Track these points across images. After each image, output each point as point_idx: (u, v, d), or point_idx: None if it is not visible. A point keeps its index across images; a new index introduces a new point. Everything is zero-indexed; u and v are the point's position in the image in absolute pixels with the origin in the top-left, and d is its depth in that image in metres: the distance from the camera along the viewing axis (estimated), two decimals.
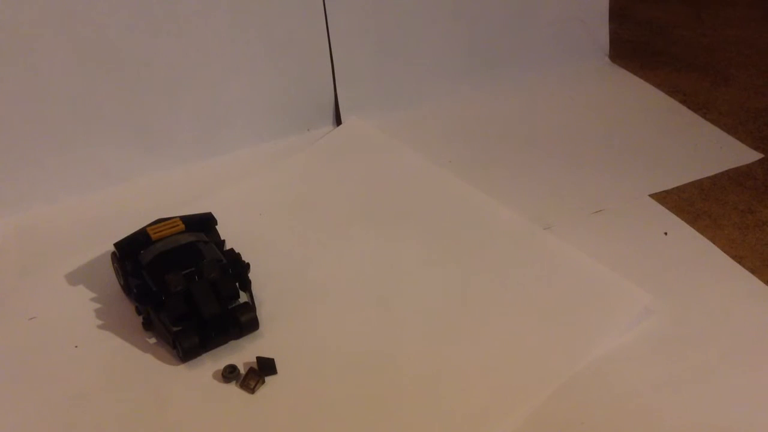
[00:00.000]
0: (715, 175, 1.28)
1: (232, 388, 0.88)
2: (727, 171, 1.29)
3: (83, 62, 1.17)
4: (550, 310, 0.98)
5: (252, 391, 0.87)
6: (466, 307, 1.00)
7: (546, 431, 0.83)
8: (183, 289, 0.91)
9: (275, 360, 0.90)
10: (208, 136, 1.32)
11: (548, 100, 1.53)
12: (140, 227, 1.00)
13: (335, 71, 1.39)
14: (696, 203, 1.21)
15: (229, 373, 0.88)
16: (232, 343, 0.94)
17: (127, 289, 0.99)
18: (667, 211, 1.19)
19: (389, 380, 0.89)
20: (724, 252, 1.10)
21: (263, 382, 0.88)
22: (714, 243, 1.12)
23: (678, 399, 0.87)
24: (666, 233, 1.14)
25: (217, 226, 1.05)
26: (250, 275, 1.00)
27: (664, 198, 1.22)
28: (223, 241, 1.05)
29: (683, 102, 1.51)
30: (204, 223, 1.03)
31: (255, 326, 0.94)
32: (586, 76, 1.61)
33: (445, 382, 0.89)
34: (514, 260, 1.08)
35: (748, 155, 1.34)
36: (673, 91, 1.55)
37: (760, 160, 1.32)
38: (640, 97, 1.55)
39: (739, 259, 1.08)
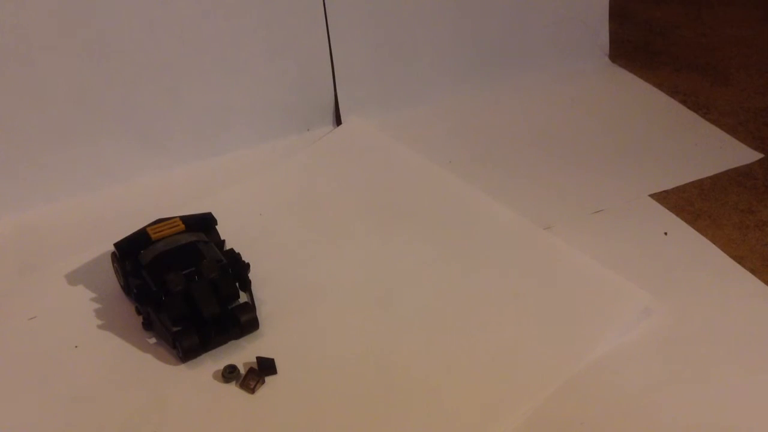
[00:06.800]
0: (715, 175, 1.28)
1: (232, 388, 0.88)
2: (727, 171, 1.29)
3: (83, 62, 1.17)
4: (550, 310, 0.98)
5: (252, 391, 0.87)
6: (465, 307, 1.00)
7: (546, 431, 0.83)
8: (183, 289, 0.91)
9: (275, 360, 0.90)
10: (208, 136, 1.32)
11: (548, 100, 1.52)
12: (140, 227, 1.00)
13: (335, 71, 1.39)
14: (696, 203, 1.21)
15: (229, 373, 0.88)
16: (232, 343, 0.94)
17: (127, 289, 0.99)
18: (667, 211, 1.18)
19: (389, 380, 0.89)
20: (724, 252, 1.10)
21: (263, 382, 0.88)
22: (714, 243, 1.12)
23: (678, 399, 0.87)
24: (666, 233, 1.14)
25: (217, 226, 1.05)
26: (250, 275, 1.00)
27: (664, 198, 1.22)
28: (223, 241, 1.05)
29: (683, 102, 1.51)
30: (204, 223, 1.03)
31: (255, 326, 0.94)
32: (586, 76, 1.61)
33: (445, 382, 0.89)
34: (514, 260, 1.08)
35: (748, 155, 1.34)
36: (673, 91, 1.55)
37: (760, 160, 1.32)
38: (640, 97, 1.55)
39: (739, 259, 1.08)
